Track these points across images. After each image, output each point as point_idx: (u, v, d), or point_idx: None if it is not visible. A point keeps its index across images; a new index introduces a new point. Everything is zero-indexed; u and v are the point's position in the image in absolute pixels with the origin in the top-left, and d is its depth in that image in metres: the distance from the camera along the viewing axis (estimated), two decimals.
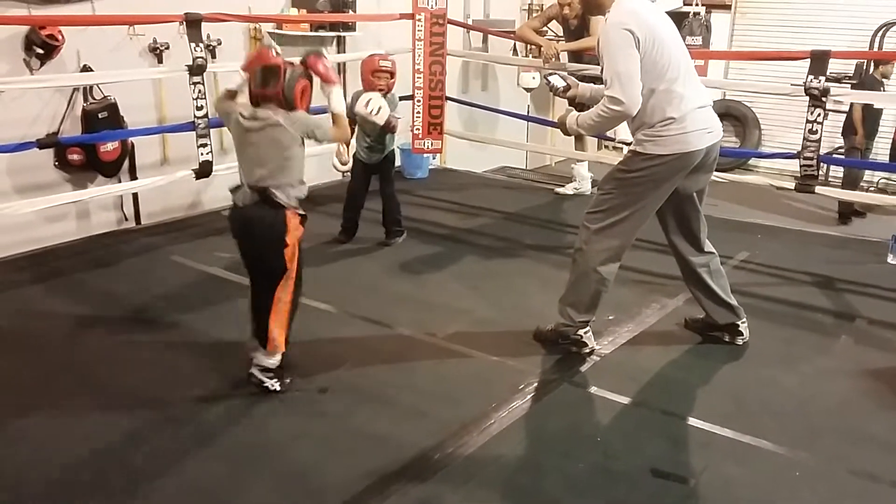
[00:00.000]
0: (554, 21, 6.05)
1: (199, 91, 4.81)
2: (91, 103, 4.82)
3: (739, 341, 3.53)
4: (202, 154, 4.98)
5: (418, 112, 6.08)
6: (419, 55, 5.98)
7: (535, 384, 3.19)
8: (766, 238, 5.21)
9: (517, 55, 7.64)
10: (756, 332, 3.58)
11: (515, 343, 3.53)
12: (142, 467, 2.60)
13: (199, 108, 4.83)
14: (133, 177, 5.16)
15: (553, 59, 5.54)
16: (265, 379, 3.02)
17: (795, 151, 4.80)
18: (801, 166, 4.75)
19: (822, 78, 4.52)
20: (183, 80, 4.80)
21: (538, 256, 4.77)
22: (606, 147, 7.92)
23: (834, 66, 5.22)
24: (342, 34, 6.29)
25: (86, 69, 4.77)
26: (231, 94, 3.05)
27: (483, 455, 2.70)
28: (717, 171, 3.48)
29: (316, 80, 3.00)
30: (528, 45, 6.98)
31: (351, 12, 6.20)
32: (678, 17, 7.54)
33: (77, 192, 4.85)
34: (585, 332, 3.42)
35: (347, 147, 4.56)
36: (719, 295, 3.47)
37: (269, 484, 2.53)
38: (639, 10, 3.06)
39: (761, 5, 8.74)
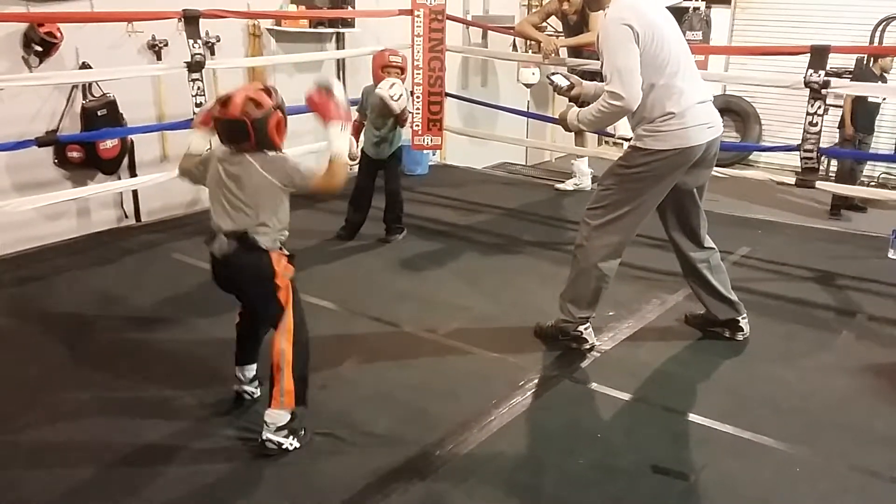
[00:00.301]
0: (553, 16, 6.04)
1: (198, 88, 4.80)
2: (90, 101, 4.82)
3: (740, 337, 3.53)
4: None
5: (418, 108, 6.07)
6: (418, 51, 5.97)
7: (536, 380, 3.19)
8: (767, 233, 5.20)
9: (517, 51, 7.63)
10: (756, 327, 3.58)
11: (516, 339, 3.53)
12: (142, 467, 2.59)
13: (199, 105, 4.81)
14: (133, 174, 5.16)
15: (552, 55, 5.52)
16: (282, 440, 2.64)
17: (796, 144, 4.80)
18: (801, 159, 4.75)
19: (822, 72, 4.53)
20: (182, 77, 4.80)
21: (538, 253, 4.76)
22: (606, 143, 7.91)
23: (835, 60, 5.21)
24: (341, 31, 6.29)
25: (84, 66, 4.77)
26: (193, 158, 2.77)
27: (483, 452, 2.70)
28: (717, 166, 3.48)
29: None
30: (528, 41, 6.95)
31: (350, 8, 6.20)
32: (678, 12, 7.54)
33: (77, 190, 4.84)
34: (586, 329, 3.42)
35: (357, 139, 4.54)
36: (719, 291, 3.46)
37: (269, 482, 2.52)
38: (638, 5, 3.06)
39: (761, 0, 8.74)
